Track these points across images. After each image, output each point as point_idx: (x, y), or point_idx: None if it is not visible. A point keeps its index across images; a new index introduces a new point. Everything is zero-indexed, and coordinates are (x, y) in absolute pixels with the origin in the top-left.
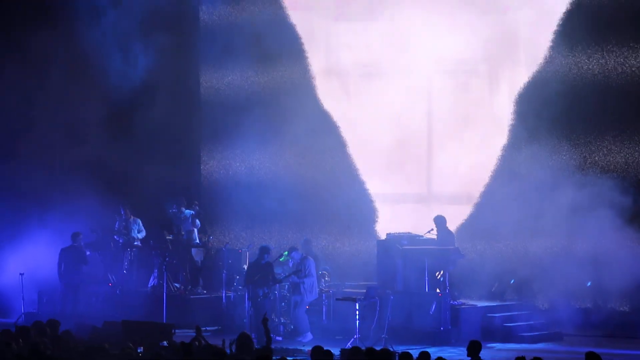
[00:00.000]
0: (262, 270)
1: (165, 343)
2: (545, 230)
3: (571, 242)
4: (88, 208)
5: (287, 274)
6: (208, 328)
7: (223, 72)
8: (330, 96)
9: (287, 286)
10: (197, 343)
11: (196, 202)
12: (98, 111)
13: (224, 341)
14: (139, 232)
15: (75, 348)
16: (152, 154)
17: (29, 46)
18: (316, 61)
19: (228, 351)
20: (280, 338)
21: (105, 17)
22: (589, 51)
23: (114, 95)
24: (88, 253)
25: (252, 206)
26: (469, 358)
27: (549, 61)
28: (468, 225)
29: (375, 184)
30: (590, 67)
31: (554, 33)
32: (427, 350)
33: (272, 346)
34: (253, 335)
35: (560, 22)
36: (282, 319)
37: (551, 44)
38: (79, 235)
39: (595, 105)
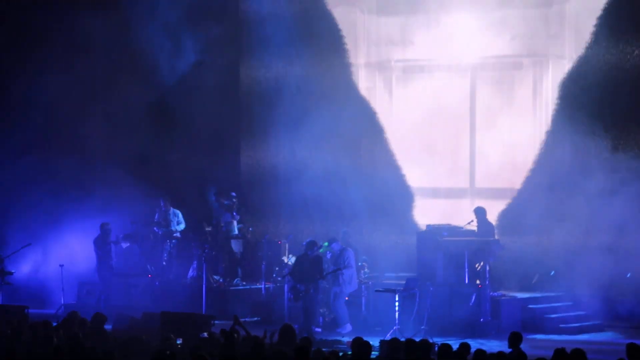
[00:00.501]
0: (311, 263)
1: (205, 334)
2: (585, 221)
3: (611, 233)
4: (128, 199)
5: (325, 265)
6: (247, 319)
7: (263, 64)
8: (371, 89)
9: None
10: (235, 335)
11: (233, 194)
12: (141, 101)
13: (265, 332)
14: (178, 224)
15: (115, 340)
16: (192, 144)
17: (78, 32)
18: (357, 54)
19: (268, 341)
20: (319, 329)
21: (152, 8)
22: (631, 40)
23: (156, 86)
24: (127, 245)
25: (292, 197)
26: (510, 349)
27: (591, 52)
28: (508, 216)
29: (415, 176)
30: (634, 55)
31: (598, 18)
32: (467, 341)
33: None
34: (296, 327)
35: (604, 11)
36: (321, 310)
37: (594, 33)
38: (103, 226)
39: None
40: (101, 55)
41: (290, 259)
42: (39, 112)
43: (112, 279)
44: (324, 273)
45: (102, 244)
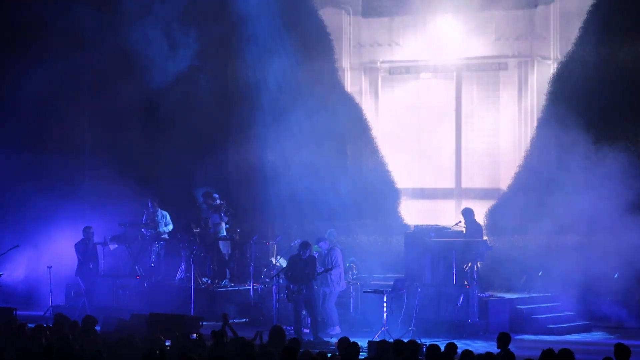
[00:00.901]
0: (304, 264)
1: (194, 336)
2: (572, 221)
3: (598, 233)
4: (117, 199)
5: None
6: (236, 320)
7: (251, 65)
8: (357, 90)
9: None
10: (225, 337)
11: (216, 195)
12: (131, 101)
13: (257, 333)
14: (166, 225)
15: (103, 341)
16: (181, 145)
17: (70, 29)
18: (344, 55)
19: (258, 342)
20: (308, 330)
21: (144, 7)
22: (616, 40)
23: (146, 86)
24: (115, 246)
25: (280, 197)
26: (499, 350)
27: (576, 52)
28: (495, 216)
29: (401, 176)
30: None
31: (583, 19)
32: (455, 342)
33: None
34: (290, 328)
35: (589, 12)
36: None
37: (579, 34)
38: (86, 230)
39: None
40: (93, 52)
41: (278, 260)
42: (29, 109)
43: (95, 282)
44: (316, 273)
45: (83, 249)
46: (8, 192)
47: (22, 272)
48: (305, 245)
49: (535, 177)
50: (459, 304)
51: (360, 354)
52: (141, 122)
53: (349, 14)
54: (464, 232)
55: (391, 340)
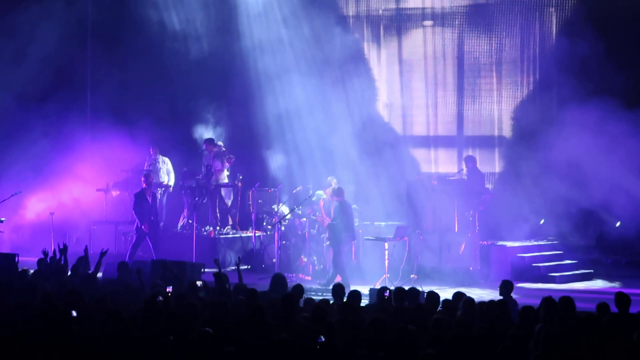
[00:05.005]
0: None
1: (199, 283)
2: (577, 171)
3: (603, 181)
4: (120, 147)
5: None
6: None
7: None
8: (360, 38)
9: (317, 226)
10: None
11: (220, 143)
12: (138, 45)
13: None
14: (168, 172)
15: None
16: (186, 91)
17: None
18: (347, 3)
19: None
20: (309, 277)
21: None
22: None
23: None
24: (117, 193)
25: (282, 143)
26: (501, 297)
27: None
28: (498, 165)
29: (404, 124)
30: None
31: None
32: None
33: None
34: (291, 275)
35: None
36: (312, 258)
37: None
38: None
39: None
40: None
41: (280, 207)
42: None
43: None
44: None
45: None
46: (11, 138)
47: (24, 218)
48: (339, 192)
49: (538, 125)
50: (460, 252)
51: (362, 301)
52: (146, 67)
53: None
54: (466, 180)
55: (392, 287)
